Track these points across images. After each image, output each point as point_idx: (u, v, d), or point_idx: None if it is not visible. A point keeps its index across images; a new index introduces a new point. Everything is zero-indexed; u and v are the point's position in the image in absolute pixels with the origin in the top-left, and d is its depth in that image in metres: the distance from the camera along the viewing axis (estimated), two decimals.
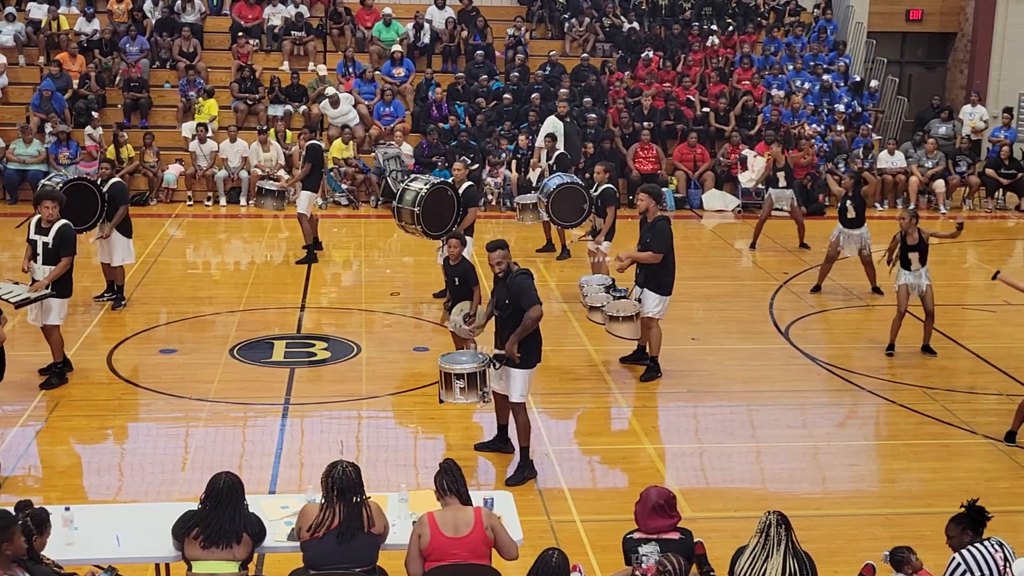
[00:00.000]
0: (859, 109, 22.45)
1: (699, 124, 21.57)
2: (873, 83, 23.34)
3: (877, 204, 20.79)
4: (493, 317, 9.34)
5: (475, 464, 9.36)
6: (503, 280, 9.06)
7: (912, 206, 12.62)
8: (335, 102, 20.70)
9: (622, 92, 21.81)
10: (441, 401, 9.21)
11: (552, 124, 19.26)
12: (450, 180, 13.62)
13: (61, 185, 12.43)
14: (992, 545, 6.16)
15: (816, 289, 14.75)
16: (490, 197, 19.53)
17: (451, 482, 6.45)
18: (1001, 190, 21.20)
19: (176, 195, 19.90)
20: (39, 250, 10.73)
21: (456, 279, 10.59)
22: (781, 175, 17.12)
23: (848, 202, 14.41)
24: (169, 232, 17.82)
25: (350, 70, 21.75)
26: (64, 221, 10.74)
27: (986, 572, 6.07)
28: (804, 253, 16.89)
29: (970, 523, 6.25)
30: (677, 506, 6.52)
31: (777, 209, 17.23)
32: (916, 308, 12.46)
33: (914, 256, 12.15)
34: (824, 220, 18.21)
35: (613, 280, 12.07)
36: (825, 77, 22.70)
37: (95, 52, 21.70)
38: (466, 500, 6.47)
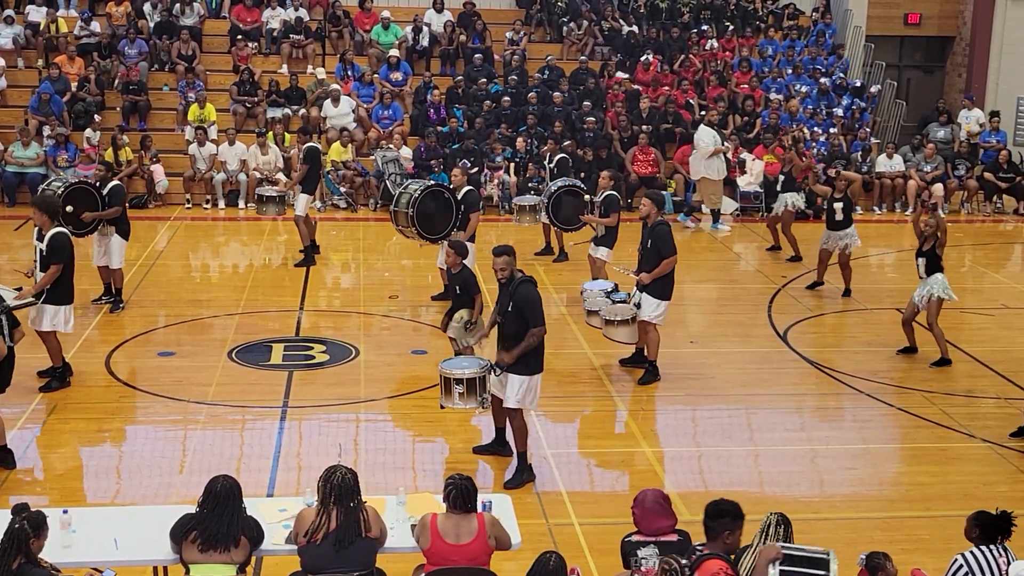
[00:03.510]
0: (858, 113, 22.47)
1: (697, 127, 21.56)
2: (874, 88, 23.34)
3: (875, 208, 20.84)
4: (496, 322, 9.31)
5: (474, 467, 9.35)
6: (506, 287, 9.04)
7: (939, 209, 12.35)
8: (336, 98, 20.74)
9: (620, 96, 21.82)
10: (442, 407, 9.21)
11: (708, 134, 19.04)
12: (448, 184, 13.62)
13: (62, 190, 12.39)
14: (997, 549, 6.18)
15: (817, 285, 14.79)
16: (494, 200, 19.54)
17: (463, 502, 6.43)
18: (999, 194, 21.22)
19: (171, 198, 19.84)
20: (37, 256, 10.74)
21: (457, 287, 10.60)
22: (782, 179, 17.13)
23: (836, 204, 14.40)
24: (162, 236, 17.73)
25: (349, 73, 21.75)
26: (58, 229, 10.69)
27: (987, 575, 6.08)
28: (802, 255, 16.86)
29: (985, 525, 6.26)
30: (672, 506, 6.54)
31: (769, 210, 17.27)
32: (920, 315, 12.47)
33: (920, 263, 12.12)
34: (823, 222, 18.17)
35: (616, 285, 12.09)
36: (823, 80, 22.73)
37: (94, 55, 21.70)
38: (472, 509, 6.47)
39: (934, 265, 12.04)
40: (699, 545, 6.00)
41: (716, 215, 19.15)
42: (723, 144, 18.96)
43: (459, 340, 10.57)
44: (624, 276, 12.13)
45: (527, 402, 9.03)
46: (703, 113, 21.40)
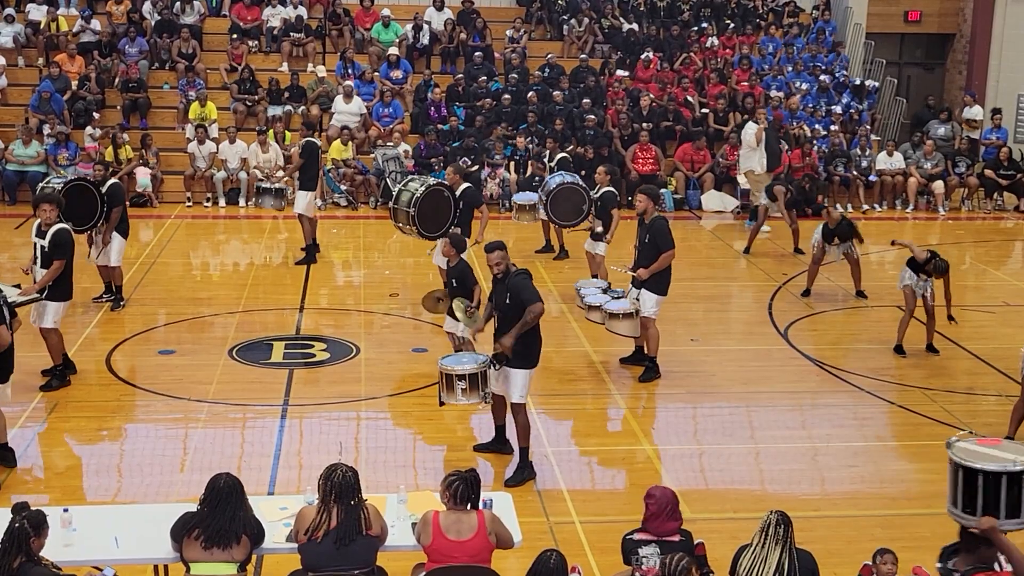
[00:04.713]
0: (859, 110, 22.48)
1: (697, 125, 21.60)
2: (869, 82, 23.35)
3: (875, 205, 20.84)
4: (493, 318, 9.32)
5: (474, 465, 9.33)
6: (502, 281, 9.06)
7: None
8: (348, 94, 20.75)
9: (621, 93, 21.82)
10: (442, 403, 9.21)
11: (751, 129, 18.97)
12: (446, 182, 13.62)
13: (61, 187, 12.40)
14: None
15: (806, 293, 14.68)
16: (494, 197, 19.53)
17: (468, 494, 6.44)
18: (1000, 191, 21.22)
19: (168, 196, 19.80)
20: (37, 253, 10.74)
21: (454, 280, 10.60)
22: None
23: (836, 238, 14.19)
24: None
25: (349, 71, 21.75)
26: (60, 225, 10.68)
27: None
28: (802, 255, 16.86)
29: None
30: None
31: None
32: (917, 312, 12.46)
33: (923, 276, 12.23)
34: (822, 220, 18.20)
35: (609, 283, 12.10)
36: (823, 78, 22.73)
37: (94, 53, 21.70)
38: (475, 506, 6.48)
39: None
40: (950, 547, 5.92)
41: (755, 212, 19.00)
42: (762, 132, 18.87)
43: (464, 324, 10.50)
44: (621, 274, 12.13)
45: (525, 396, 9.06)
46: (704, 110, 21.41)
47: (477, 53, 22.24)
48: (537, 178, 18.86)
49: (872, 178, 20.76)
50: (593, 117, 20.66)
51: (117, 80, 21.19)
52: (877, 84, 23.50)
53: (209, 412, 10.52)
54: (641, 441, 10.12)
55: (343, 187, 19.86)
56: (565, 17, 23.78)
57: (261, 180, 18.24)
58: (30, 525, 5.82)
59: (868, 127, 22.06)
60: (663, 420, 10.85)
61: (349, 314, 13.82)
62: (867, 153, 21.14)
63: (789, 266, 16.28)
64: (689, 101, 22.01)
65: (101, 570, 6.45)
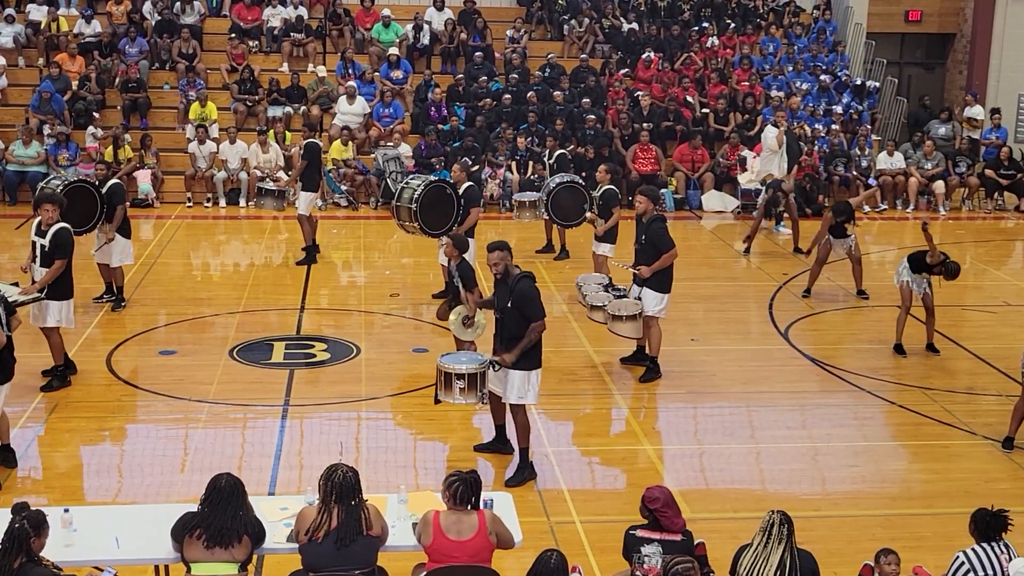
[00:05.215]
0: (859, 110, 22.48)
1: (698, 125, 21.60)
2: (869, 82, 23.36)
3: (875, 205, 20.86)
4: (494, 318, 9.30)
5: (475, 466, 9.34)
6: (504, 281, 9.04)
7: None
8: (352, 95, 20.75)
9: (621, 93, 21.82)
10: (437, 401, 9.21)
11: (774, 134, 18.91)
12: (450, 180, 13.63)
13: (61, 188, 12.39)
14: (999, 547, 6.19)
15: (806, 293, 14.66)
16: (494, 197, 19.53)
17: (469, 495, 6.44)
18: (1000, 191, 21.21)
19: (169, 197, 19.80)
20: (37, 252, 10.75)
21: (455, 281, 10.59)
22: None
23: (833, 238, 14.23)
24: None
25: (349, 71, 21.75)
26: (61, 224, 10.69)
27: (989, 572, 6.08)
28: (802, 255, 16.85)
29: (979, 523, 6.29)
30: None
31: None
32: (916, 309, 12.46)
33: (924, 274, 12.17)
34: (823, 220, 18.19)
35: (611, 279, 12.08)
36: (823, 78, 22.73)
37: (94, 53, 21.70)
38: (475, 507, 6.48)
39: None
40: None
41: (780, 217, 18.90)
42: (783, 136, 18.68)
43: (457, 335, 10.58)
44: (622, 271, 12.12)
45: (528, 398, 9.03)
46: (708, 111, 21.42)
47: (477, 53, 22.24)
48: (537, 178, 18.88)
49: (872, 181, 20.75)
50: (593, 117, 20.66)
51: (117, 80, 21.19)
52: (878, 84, 23.51)
53: (210, 412, 10.52)
54: (642, 441, 10.12)
55: (343, 187, 19.86)
56: (565, 17, 23.78)
57: (262, 181, 18.24)
58: (30, 525, 5.83)
59: (869, 127, 22.06)
60: (664, 420, 10.85)
61: (350, 314, 13.83)
62: (867, 153, 21.15)
63: (789, 266, 16.28)
64: (689, 101, 22.01)
65: (102, 570, 6.45)
